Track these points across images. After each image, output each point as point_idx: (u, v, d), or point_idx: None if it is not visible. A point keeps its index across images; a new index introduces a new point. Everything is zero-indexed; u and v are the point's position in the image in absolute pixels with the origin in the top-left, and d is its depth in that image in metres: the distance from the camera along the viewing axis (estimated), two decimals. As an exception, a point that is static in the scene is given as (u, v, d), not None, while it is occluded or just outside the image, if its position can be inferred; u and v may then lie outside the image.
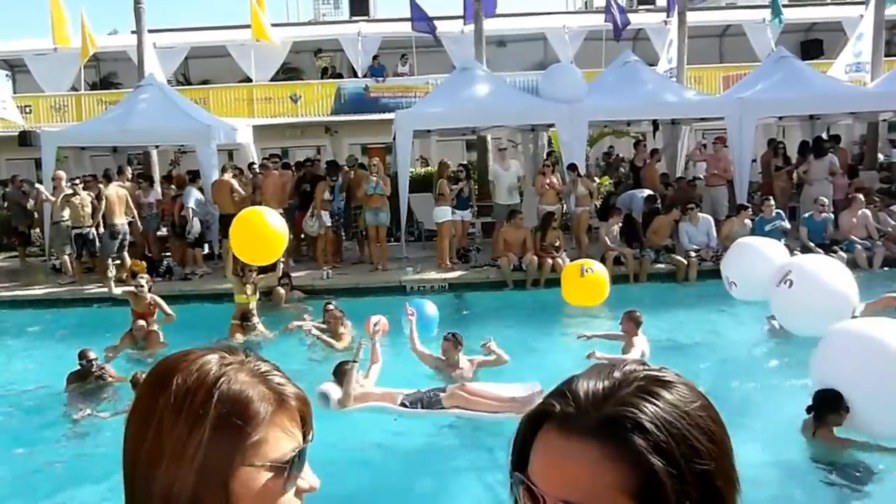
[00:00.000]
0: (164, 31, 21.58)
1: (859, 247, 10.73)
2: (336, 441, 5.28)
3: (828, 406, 4.84)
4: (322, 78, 22.12)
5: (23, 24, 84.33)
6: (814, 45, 22.32)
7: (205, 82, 21.85)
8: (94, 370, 6.90)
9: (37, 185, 13.10)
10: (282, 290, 9.98)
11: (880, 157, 16.19)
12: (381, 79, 20.56)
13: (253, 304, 8.66)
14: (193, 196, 11.89)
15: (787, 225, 11.06)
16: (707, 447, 0.72)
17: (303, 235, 12.51)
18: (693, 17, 17.44)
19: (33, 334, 9.75)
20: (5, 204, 14.66)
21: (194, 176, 12.43)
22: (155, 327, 8.37)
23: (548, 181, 11.71)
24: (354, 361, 6.19)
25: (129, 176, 13.09)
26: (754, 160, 13.98)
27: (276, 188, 12.17)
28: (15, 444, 6.10)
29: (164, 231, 12.78)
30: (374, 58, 20.90)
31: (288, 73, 22.45)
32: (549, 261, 10.59)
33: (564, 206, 12.09)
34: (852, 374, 4.84)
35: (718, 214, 12.07)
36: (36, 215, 13.67)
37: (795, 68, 13.20)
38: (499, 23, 18.26)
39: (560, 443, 0.73)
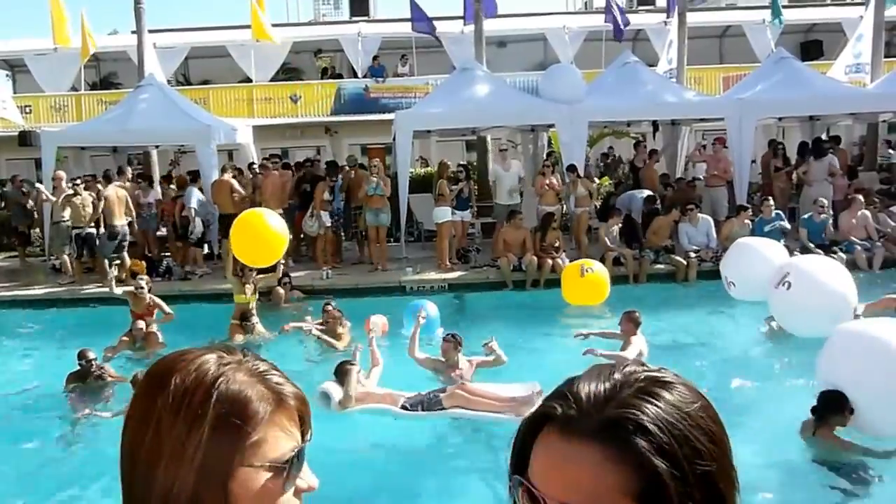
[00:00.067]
0: (165, 31, 21.57)
1: (859, 248, 10.73)
2: (336, 441, 5.28)
3: (832, 407, 4.84)
4: (322, 78, 22.12)
5: (23, 24, 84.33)
6: (813, 45, 22.33)
7: (205, 82, 21.85)
8: (93, 370, 6.90)
9: (37, 185, 13.09)
10: (281, 291, 9.99)
11: (879, 158, 16.20)
12: (381, 79, 20.56)
13: (252, 304, 8.67)
14: (195, 196, 11.89)
15: (786, 225, 11.06)
16: (708, 448, 0.72)
17: (302, 236, 12.51)
18: (693, 18, 17.45)
19: (33, 334, 9.75)
20: (2, 204, 14.65)
21: (195, 176, 12.42)
22: (154, 328, 8.38)
23: (547, 182, 11.71)
24: (353, 364, 6.18)
25: (130, 176, 13.09)
26: (754, 161, 13.99)
27: (276, 188, 12.16)
28: (14, 443, 6.10)
29: (163, 231, 12.77)
30: (374, 58, 20.90)
31: (288, 73, 22.45)
32: (549, 261, 10.59)
33: (564, 206, 12.10)
34: (857, 374, 4.84)
35: (718, 215, 12.08)
36: (36, 215, 13.68)
37: (795, 69, 13.20)
38: (499, 23, 18.25)
39: (561, 445, 0.73)
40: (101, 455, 5.49)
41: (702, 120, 14.47)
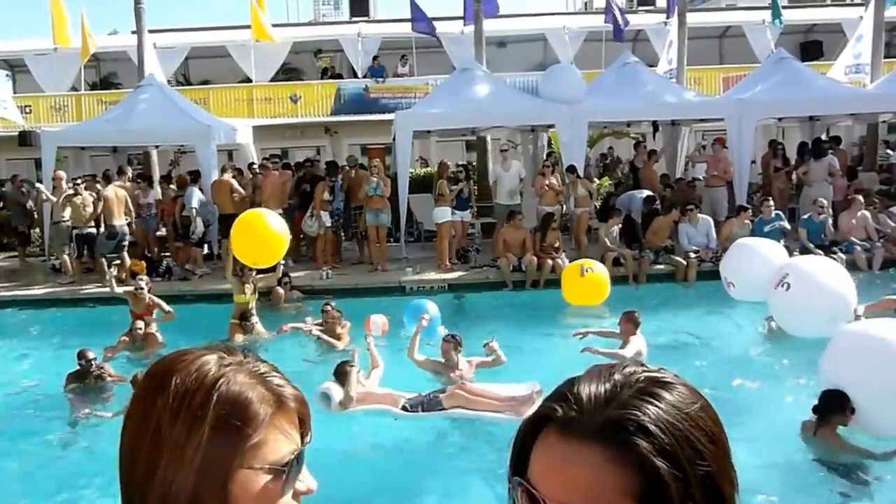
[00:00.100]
0: (165, 31, 21.57)
1: (858, 248, 10.73)
2: (337, 442, 5.28)
3: (834, 406, 4.84)
4: (322, 78, 22.11)
5: (23, 24, 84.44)
6: (813, 46, 22.33)
7: (205, 82, 21.85)
8: (92, 370, 6.90)
9: (37, 185, 13.09)
10: (281, 291, 9.99)
11: (878, 158, 16.20)
12: (380, 79, 20.56)
13: (252, 304, 8.67)
14: (196, 196, 11.89)
15: (786, 226, 11.05)
16: (709, 448, 0.72)
17: (302, 236, 12.51)
18: (693, 19, 17.45)
19: (33, 334, 9.75)
20: (1, 204, 14.65)
21: (195, 176, 12.42)
22: (153, 328, 8.38)
23: (547, 182, 11.71)
24: (352, 365, 6.17)
25: (130, 176, 13.09)
26: (754, 161, 13.99)
27: (276, 188, 12.16)
28: (14, 443, 6.10)
29: (163, 231, 12.77)
30: (374, 58, 20.90)
31: (288, 73, 22.45)
32: (549, 262, 10.60)
33: (564, 207, 12.10)
34: (860, 374, 4.84)
35: (718, 215, 12.08)
36: (35, 215, 13.68)
37: (795, 69, 13.20)
38: (499, 23, 18.26)
39: (561, 446, 0.73)
40: (101, 455, 5.49)
41: (702, 120, 14.47)
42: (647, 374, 0.77)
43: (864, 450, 4.88)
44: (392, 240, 12.55)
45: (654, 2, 26.10)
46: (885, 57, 16.02)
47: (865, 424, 4.88)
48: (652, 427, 0.71)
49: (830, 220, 11.22)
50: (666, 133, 14.90)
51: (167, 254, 12.59)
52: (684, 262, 10.69)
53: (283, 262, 9.07)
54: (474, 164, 15.64)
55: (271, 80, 21.27)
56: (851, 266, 9.65)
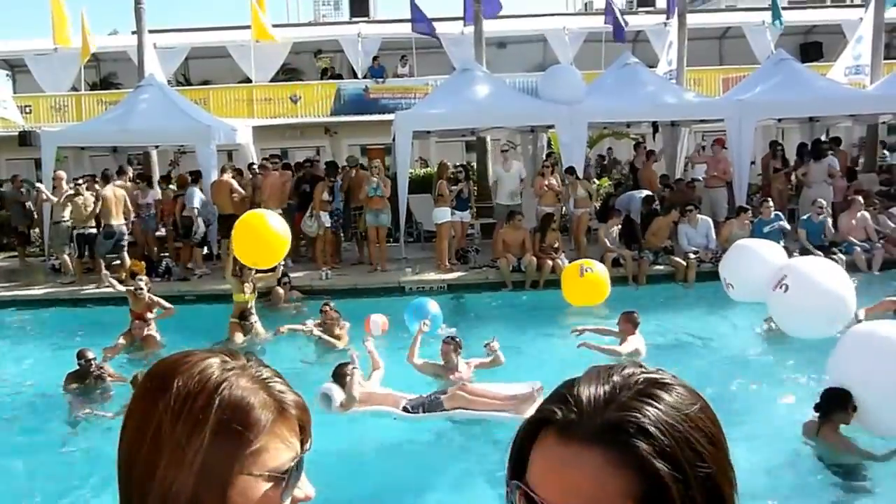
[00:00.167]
0: (165, 31, 21.58)
1: (858, 249, 10.74)
2: (338, 443, 5.28)
3: (836, 404, 4.85)
4: (322, 79, 22.11)
5: (23, 24, 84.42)
6: (813, 47, 22.33)
7: (205, 83, 21.84)
8: (92, 370, 6.90)
9: (37, 185, 13.10)
10: (281, 291, 9.99)
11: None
12: (380, 80, 20.56)
13: (251, 304, 8.67)
14: (197, 196, 11.88)
15: (786, 226, 11.06)
16: (708, 449, 0.72)
17: (301, 236, 12.51)
18: (693, 20, 17.46)
19: (33, 334, 9.75)
20: (1, 204, 14.66)
21: (196, 176, 12.41)
22: (153, 328, 8.39)
23: (546, 182, 11.71)
24: (354, 367, 6.14)
25: (131, 176, 13.09)
26: (753, 162, 13.99)
27: (276, 188, 12.16)
28: (14, 443, 6.10)
29: (162, 232, 12.77)
30: (374, 59, 20.90)
31: (288, 73, 22.46)
32: (549, 262, 10.60)
33: (563, 207, 12.10)
34: (867, 373, 4.84)
35: (718, 216, 12.09)
36: (35, 215, 13.68)
37: (795, 70, 13.21)
38: (499, 24, 18.27)
39: (560, 449, 0.72)
40: (101, 455, 5.49)
41: (701, 121, 14.47)
42: (646, 375, 0.76)
43: (866, 450, 4.88)
44: (391, 240, 12.55)
45: (653, 3, 26.11)
46: (885, 58, 16.03)
47: (872, 424, 4.88)
48: (652, 429, 0.70)
49: (830, 221, 11.22)
50: (666, 134, 14.91)
51: (166, 254, 12.60)
52: (684, 263, 10.69)
53: (282, 262, 9.07)
54: (474, 164, 15.64)
55: (271, 81, 21.27)
56: (851, 267, 9.66)
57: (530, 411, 0.81)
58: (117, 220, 11.46)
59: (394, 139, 12.99)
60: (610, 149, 19.36)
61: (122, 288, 8.74)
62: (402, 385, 6.39)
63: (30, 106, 20.29)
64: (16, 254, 14.19)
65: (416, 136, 13.25)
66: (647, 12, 24.65)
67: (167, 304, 8.46)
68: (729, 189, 12.73)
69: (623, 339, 7.10)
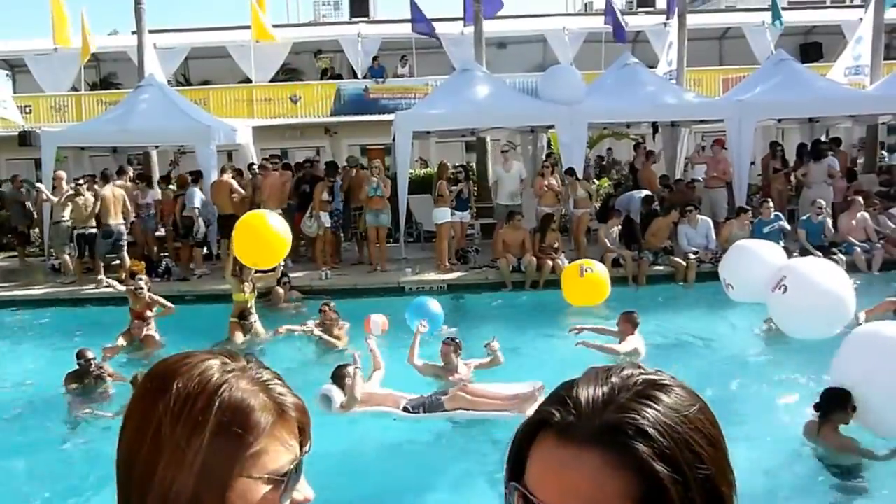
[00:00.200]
0: (165, 31, 21.57)
1: (858, 249, 10.74)
2: (338, 443, 5.28)
3: (835, 404, 4.85)
4: (322, 79, 22.11)
5: (23, 24, 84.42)
6: (813, 48, 22.33)
7: (205, 83, 21.84)
8: (92, 369, 6.90)
9: (37, 185, 13.10)
10: (280, 290, 9.99)
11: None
12: (380, 80, 20.56)
13: (251, 303, 8.67)
14: (198, 196, 11.88)
15: (786, 226, 11.06)
16: (707, 451, 0.72)
17: (301, 236, 12.50)
18: (693, 20, 17.46)
19: (32, 334, 9.75)
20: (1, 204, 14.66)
21: (197, 176, 12.40)
22: (152, 328, 8.39)
23: (546, 183, 11.71)
24: (356, 367, 6.13)
25: (132, 176, 13.08)
26: (753, 162, 13.99)
27: (275, 189, 12.16)
28: (14, 443, 6.10)
29: (161, 232, 12.77)
30: (374, 59, 20.90)
31: (288, 73, 22.45)
32: (549, 262, 10.60)
33: (563, 207, 12.10)
34: (871, 372, 4.84)
35: (717, 217, 12.09)
36: (35, 215, 13.68)
37: (795, 71, 13.22)
38: (498, 24, 18.27)
39: (558, 451, 0.72)
40: (101, 454, 5.48)
41: (701, 121, 14.48)
42: (644, 376, 0.76)
43: (867, 449, 4.87)
44: (391, 240, 12.55)
45: (653, 3, 26.11)
46: (885, 59, 16.03)
47: (875, 424, 4.88)
48: (651, 430, 0.70)
49: (829, 221, 11.22)
50: (665, 134, 14.91)
51: (166, 254, 12.60)
52: (684, 264, 10.69)
53: (282, 262, 9.07)
54: (474, 164, 15.64)
55: (271, 81, 21.26)
56: (851, 267, 9.66)
57: (532, 410, 0.81)
58: (115, 220, 11.45)
59: (394, 139, 12.99)
60: (610, 149, 19.36)
61: (121, 288, 8.75)
62: (402, 385, 6.38)
63: (30, 106, 20.29)
64: (15, 254, 14.19)
65: (416, 136, 13.25)
66: (647, 13, 24.64)
67: (167, 303, 8.48)
68: (729, 189, 12.73)
69: (622, 339, 7.11)
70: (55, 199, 11.58)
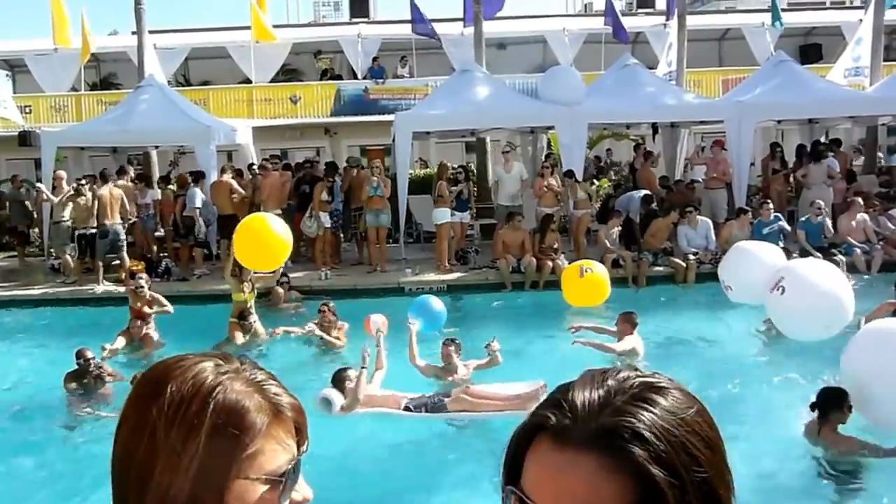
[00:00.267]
0: (165, 31, 21.58)
1: (858, 250, 10.74)
2: (339, 444, 5.27)
3: (832, 403, 4.85)
4: (322, 79, 22.11)
5: (23, 24, 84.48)
6: (813, 49, 22.32)
7: (205, 83, 21.83)
8: (91, 369, 6.89)
9: (37, 185, 13.09)
10: (280, 291, 9.99)
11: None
12: (380, 80, 20.55)
13: (251, 303, 8.67)
14: (199, 196, 11.88)
15: (786, 227, 11.07)
16: (705, 453, 0.72)
17: (301, 236, 12.49)
18: (693, 21, 17.47)
19: (32, 334, 9.74)
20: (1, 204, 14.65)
21: (198, 177, 12.39)
22: (152, 327, 8.39)
23: (546, 183, 11.71)
24: (363, 367, 6.10)
25: (132, 176, 13.08)
26: (753, 163, 13.99)
27: (275, 189, 12.16)
28: (13, 442, 6.10)
29: (161, 232, 12.76)
30: (374, 59, 20.88)
31: (288, 74, 22.45)
32: (548, 263, 10.60)
33: (563, 208, 12.10)
34: (881, 369, 4.83)
35: (717, 217, 12.09)
36: (35, 215, 13.67)
37: (794, 72, 13.22)
38: (498, 25, 18.26)
39: (554, 455, 0.72)
40: (100, 454, 5.46)
41: (701, 122, 14.48)
42: (641, 379, 0.75)
43: (870, 443, 4.85)
44: (391, 241, 12.55)
45: (653, 4, 26.13)
46: (885, 60, 16.02)
47: (884, 419, 4.87)
48: (647, 434, 0.70)
49: (829, 222, 11.23)
50: (665, 135, 14.91)
51: (166, 254, 12.59)
52: (683, 264, 10.69)
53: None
54: (474, 165, 15.64)
55: (271, 81, 21.25)
56: (851, 268, 9.66)
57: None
58: (111, 220, 11.42)
59: (394, 140, 12.99)
60: (609, 150, 19.36)
61: (122, 289, 8.75)
62: (402, 385, 6.38)
63: (30, 106, 20.27)
64: (15, 254, 14.18)
65: (416, 136, 13.25)
66: (647, 14, 24.66)
67: (166, 302, 8.48)
68: (728, 190, 12.73)
69: (620, 339, 7.11)
70: (55, 199, 11.57)
